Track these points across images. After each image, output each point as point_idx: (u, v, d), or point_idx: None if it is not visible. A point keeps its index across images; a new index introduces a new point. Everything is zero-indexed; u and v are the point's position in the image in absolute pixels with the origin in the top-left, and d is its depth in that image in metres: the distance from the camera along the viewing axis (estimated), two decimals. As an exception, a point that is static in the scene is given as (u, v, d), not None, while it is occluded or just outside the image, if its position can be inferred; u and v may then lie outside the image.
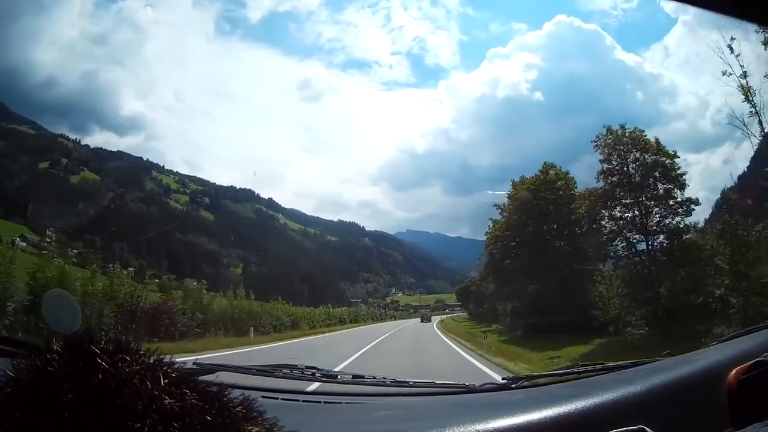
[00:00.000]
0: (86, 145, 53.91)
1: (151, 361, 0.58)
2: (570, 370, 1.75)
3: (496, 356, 12.11)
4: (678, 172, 16.80)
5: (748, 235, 13.54)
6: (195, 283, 36.62)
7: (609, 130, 17.78)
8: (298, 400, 1.63)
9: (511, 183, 23.56)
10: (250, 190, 62.73)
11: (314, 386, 2.06)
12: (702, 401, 1.06)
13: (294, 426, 0.66)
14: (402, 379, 1.79)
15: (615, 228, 17.66)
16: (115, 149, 60.72)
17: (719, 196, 18.17)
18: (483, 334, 21.30)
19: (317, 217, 69.67)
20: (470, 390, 1.64)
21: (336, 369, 2.31)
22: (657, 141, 17.30)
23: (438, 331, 28.24)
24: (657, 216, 16.84)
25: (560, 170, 22.34)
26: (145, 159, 58.87)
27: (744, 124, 14.77)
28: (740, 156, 16.03)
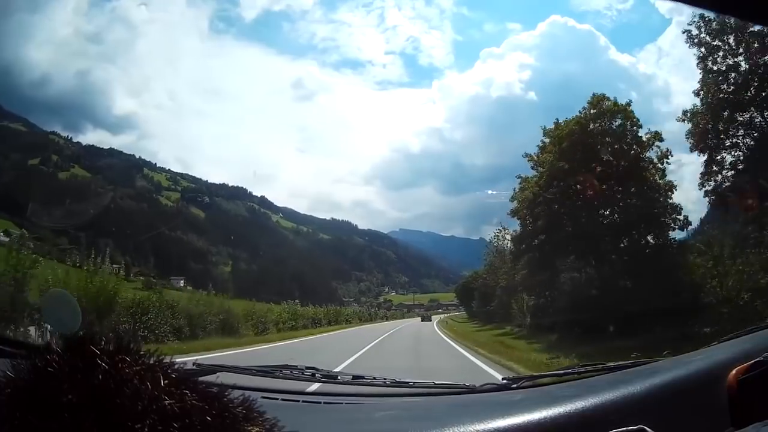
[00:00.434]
0: (78, 143, 53.94)
1: (151, 361, 0.58)
2: (570, 370, 1.75)
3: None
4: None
5: None
6: (182, 282, 36.23)
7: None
8: (298, 401, 1.63)
9: (543, 130, 17.69)
10: (242, 188, 62.69)
11: (314, 387, 2.06)
12: (702, 401, 1.06)
13: (294, 426, 0.66)
14: (402, 380, 1.79)
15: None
16: (106, 147, 60.54)
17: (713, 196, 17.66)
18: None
19: (310, 216, 69.41)
20: (470, 390, 1.64)
21: (336, 369, 2.31)
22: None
23: (448, 340, 19.67)
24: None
25: (617, 102, 16.53)
26: (137, 157, 58.85)
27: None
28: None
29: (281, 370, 1.84)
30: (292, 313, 26.27)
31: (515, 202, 19.35)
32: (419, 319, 45.73)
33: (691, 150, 15.64)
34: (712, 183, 15.42)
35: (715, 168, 15.35)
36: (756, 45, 14.33)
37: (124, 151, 60.35)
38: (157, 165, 58.93)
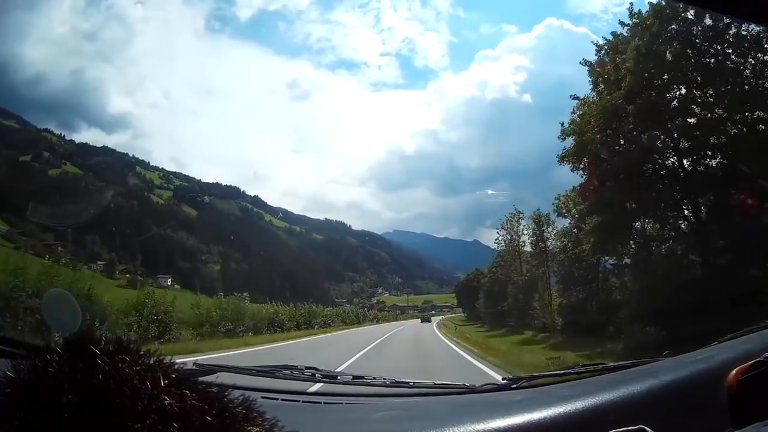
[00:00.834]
0: (71, 141, 54.07)
1: (151, 361, 0.58)
2: (570, 370, 1.75)
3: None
4: None
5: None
6: (169, 280, 35.75)
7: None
8: (298, 401, 1.63)
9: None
10: (235, 187, 62.70)
11: (314, 387, 2.06)
12: (702, 401, 1.07)
13: (294, 426, 0.66)
14: (402, 380, 1.79)
15: None
16: (100, 145, 60.48)
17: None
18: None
19: (304, 216, 69.25)
20: (470, 390, 1.65)
21: (336, 370, 2.31)
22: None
23: (468, 357, 12.29)
24: None
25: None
26: (130, 155, 58.86)
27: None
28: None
29: (281, 370, 1.85)
30: (236, 311, 18.46)
31: (568, 138, 13.27)
32: (417, 321, 44.28)
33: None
34: None
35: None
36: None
37: (117, 150, 60.23)
38: (150, 164, 58.86)
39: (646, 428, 0.90)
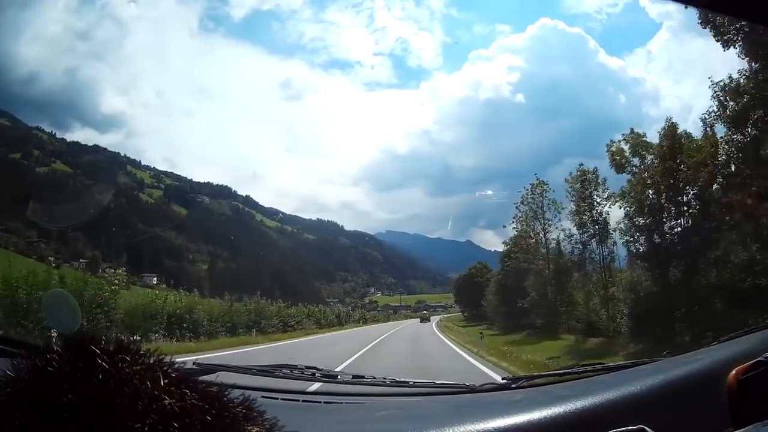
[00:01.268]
0: (62, 139, 53.62)
1: (151, 361, 0.58)
2: (569, 370, 1.75)
3: None
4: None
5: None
6: (154, 279, 35.15)
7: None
8: (298, 401, 1.63)
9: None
10: (227, 186, 62.28)
11: (314, 386, 2.06)
12: (702, 401, 1.07)
13: (294, 426, 0.66)
14: (402, 380, 1.79)
15: None
16: (91, 144, 60.26)
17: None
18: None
19: (296, 216, 69.06)
20: (470, 390, 1.65)
21: (336, 369, 2.31)
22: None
23: None
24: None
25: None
26: (122, 155, 58.61)
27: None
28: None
29: (281, 370, 1.85)
30: (165, 301, 16.21)
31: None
32: (412, 322, 40.88)
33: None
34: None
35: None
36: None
37: (109, 149, 60.03)
38: (142, 163, 58.73)
39: (646, 428, 0.90)
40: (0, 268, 12.49)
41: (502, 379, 1.78)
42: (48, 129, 54.29)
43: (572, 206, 19.80)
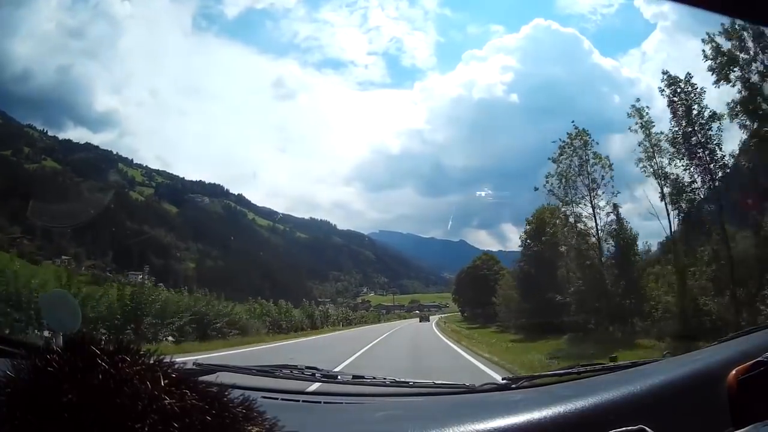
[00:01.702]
0: (54, 136, 53.25)
1: (151, 361, 0.58)
2: (570, 370, 1.75)
3: None
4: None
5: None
6: (140, 277, 34.63)
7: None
8: (298, 401, 1.63)
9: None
10: (219, 185, 62.00)
11: (314, 386, 2.06)
12: (702, 401, 1.06)
13: (294, 426, 0.66)
14: (402, 380, 1.79)
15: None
16: (83, 142, 60.10)
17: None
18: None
19: (288, 215, 68.78)
20: (470, 390, 1.64)
21: (336, 369, 2.31)
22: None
23: None
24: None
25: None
26: (114, 153, 58.43)
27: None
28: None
29: (281, 370, 1.84)
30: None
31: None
32: (407, 323, 39.20)
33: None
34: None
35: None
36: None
37: (101, 147, 59.85)
38: (134, 161, 58.61)
39: (646, 428, 0.90)
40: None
41: (502, 379, 1.77)
42: (40, 127, 54.16)
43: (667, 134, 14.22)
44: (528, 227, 21.09)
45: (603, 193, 16.67)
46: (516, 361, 10.35)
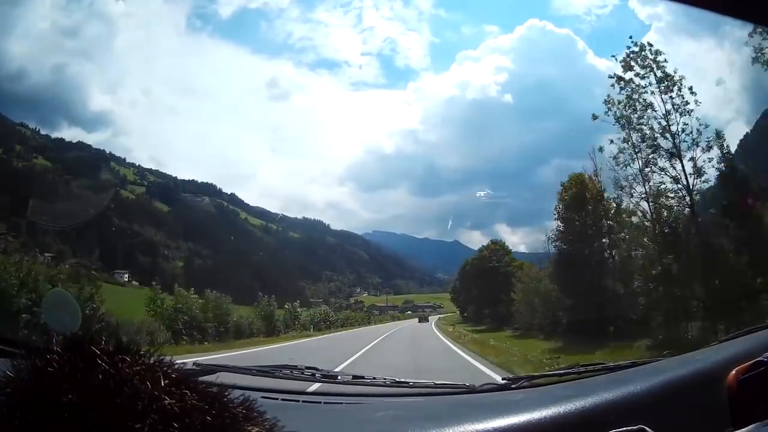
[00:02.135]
0: (46, 135, 53.10)
1: (151, 361, 0.58)
2: (570, 370, 1.75)
3: None
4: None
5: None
6: (126, 276, 33.62)
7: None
8: (298, 401, 1.63)
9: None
10: (212, 184, 61.70)
11: (314, 387, 2.06)
12: (702, 401, 1.06)
13: (294, 426, 0.66)
14: (402, 380, 1.79)
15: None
16: (75, 141, 59.92)
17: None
18: None
19: (281, 214, 68.48)
20: (470, 390, 1.64)
21: (336, 369, 2.31)
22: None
23: None
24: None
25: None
26: (107, 152, 58.28)
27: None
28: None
29: (281, 370, 1.84)
30: None
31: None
32: (411, 322, 37.78)
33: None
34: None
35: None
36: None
37: (93, 145, 59.65)
38: (126, 160, 58.48)
39: (646, 428, 0.90)
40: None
41: (502, 379, 1.77)
42: (34, 126, 54.10)
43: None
44: (564, 195, 15.79)
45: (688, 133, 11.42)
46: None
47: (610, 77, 13.49)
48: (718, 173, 12.12)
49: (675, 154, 12.11)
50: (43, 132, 53.84)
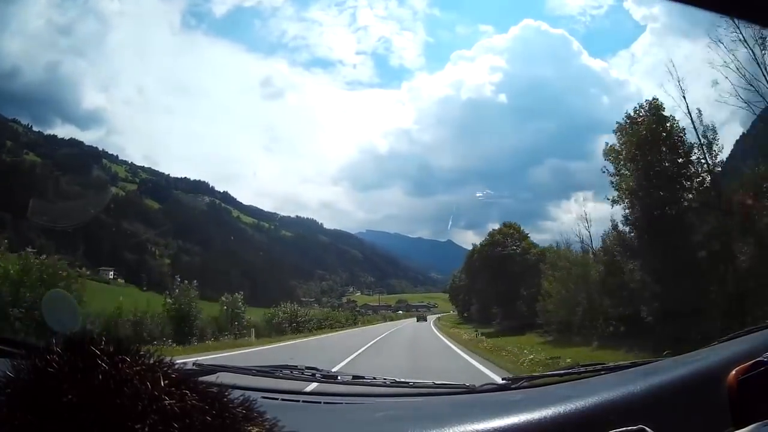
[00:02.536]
0: (38, 132, 53.05)
1: (151, 361, 0.58)
2: (570, 370, 1.75)
3: None
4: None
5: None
6: (111, 273, 33.01)
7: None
8: (298, 401, 1.63)
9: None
10: (204, 182, 61.39)
11: (314, 387, 2.06)
12: (702, 401, 1.06)
13: (294, 426, 0.66)
14: (402, 380, 1.79)
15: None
16: (68, 138, 59.57)
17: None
18: None
19: (274, 213, 68.13)
20: (470, 390, 1.64)
21: (335, 369, 2.31)
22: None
23: None
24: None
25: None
26: (100, 149, 58.06)
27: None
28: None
29: (281, 370, 1.85)
30: None
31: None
32: (410, 322, 36.83)
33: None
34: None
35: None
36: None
37: (85, 143, 59.38)
38: (119, 157, 58.21)
39: (646, 428, 0.90)
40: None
41: (503, 379, 1.77)
42: (27, 123, 53.84)
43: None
44: (638, 129, 12.01)
45: None
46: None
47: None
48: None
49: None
50: (31, 126, 53.83)
